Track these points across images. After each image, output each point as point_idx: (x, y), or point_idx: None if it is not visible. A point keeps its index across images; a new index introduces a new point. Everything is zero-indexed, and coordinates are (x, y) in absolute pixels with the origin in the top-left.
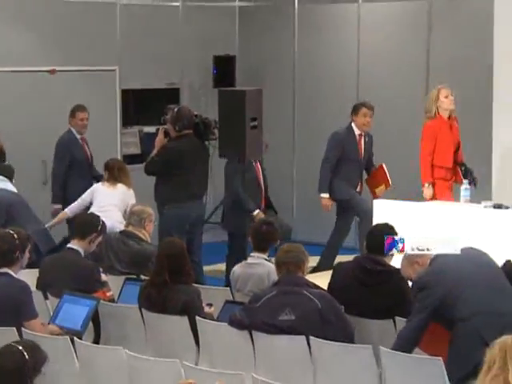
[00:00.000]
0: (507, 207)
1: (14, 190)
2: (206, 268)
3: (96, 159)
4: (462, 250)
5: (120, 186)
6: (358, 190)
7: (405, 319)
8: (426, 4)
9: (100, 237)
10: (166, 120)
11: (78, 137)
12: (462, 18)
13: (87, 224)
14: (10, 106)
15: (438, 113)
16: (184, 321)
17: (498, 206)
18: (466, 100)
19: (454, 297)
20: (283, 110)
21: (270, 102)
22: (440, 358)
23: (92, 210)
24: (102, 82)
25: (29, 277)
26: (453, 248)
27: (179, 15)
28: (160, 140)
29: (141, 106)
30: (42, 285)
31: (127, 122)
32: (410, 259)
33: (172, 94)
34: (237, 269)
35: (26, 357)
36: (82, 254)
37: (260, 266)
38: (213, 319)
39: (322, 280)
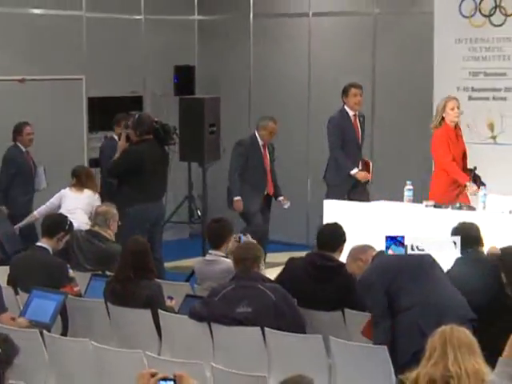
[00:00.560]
0: (446, 206)
1: None
2: (167, 264)
3: (64, 163)
4: None
5: (86, 191)
6: (359, 168)
7: (353, 311)
8: (371, 19)
9: (67, 235)
10: (128, 126)
11: (24, 150)
12: (404, 32)
13: (55, 223)
14: None
15: (445, 122)
16: (147, 314)
17: (437, 206)
18: (408, 109)
19: (396, 290)
20: (239, 116)
21: (227, 108)
22: (385, 346)
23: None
24: (70, 90)
25: None
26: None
27: (142, 28)
28: (122, 144)
29: (106, 112)
30: (12, 281)
31: (93, 127)
32: (353, 256)
33: (135, 102)
34: (196, 265)
35: None
36: (51, 251)
37: (217, 264)
38: (174, 312)
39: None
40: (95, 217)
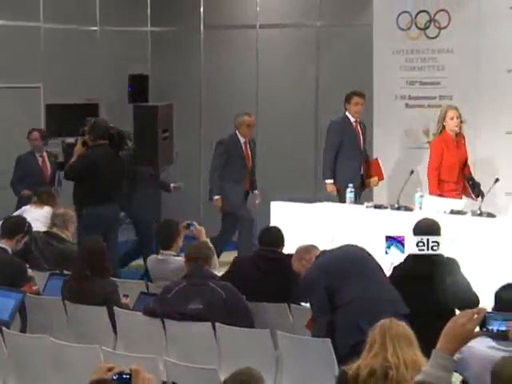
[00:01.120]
0: (385, 207)
1: None
2: None
3: None
4: (343, 245)
5: (46, 207)
6: (361, 172)
7: (298, 305)
8: (314, 31)
9: (26, 237)
10: (84, 131)
11: None
12: (345, 43)
13: (15, 225)
14: None
15: (445, 131)
16: (103, 311)
17: (377, 207)
18: None
19: (336, 287)
20: (191, 122)
21: (179, 115)
22: (328, 339)
23: None
24: (28, 97)
25: None
26: None
27: (97, 38)
28: (78, 149)
29: (63, 119)
30: None
31: (51, 133)
32: (298, 255)
33: (91, 109)
34: (149, 263)
35: None
36: (10, 251)
37: (167, 264)
38: (129, 309)
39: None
40: (53, 218)
